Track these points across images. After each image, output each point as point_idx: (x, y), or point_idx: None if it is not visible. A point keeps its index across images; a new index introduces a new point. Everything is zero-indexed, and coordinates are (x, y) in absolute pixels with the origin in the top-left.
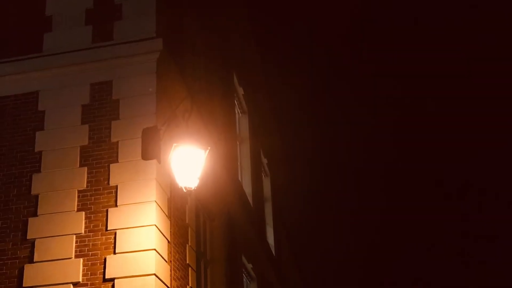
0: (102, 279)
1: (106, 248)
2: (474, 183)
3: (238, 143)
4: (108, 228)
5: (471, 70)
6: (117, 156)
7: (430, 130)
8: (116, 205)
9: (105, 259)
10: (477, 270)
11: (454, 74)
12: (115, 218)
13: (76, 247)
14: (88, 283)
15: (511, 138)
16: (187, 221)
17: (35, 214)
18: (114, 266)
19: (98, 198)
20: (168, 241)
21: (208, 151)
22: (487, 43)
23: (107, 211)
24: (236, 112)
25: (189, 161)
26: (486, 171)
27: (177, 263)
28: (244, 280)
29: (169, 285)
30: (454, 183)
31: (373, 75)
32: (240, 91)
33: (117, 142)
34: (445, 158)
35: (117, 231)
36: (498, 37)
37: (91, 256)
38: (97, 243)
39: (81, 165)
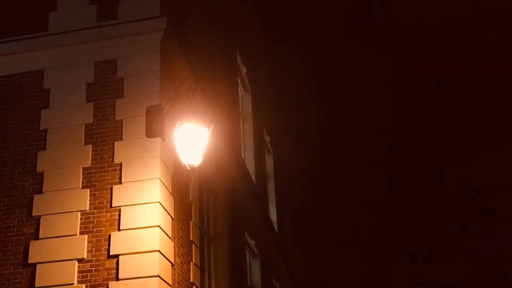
0: (106, 255)
1: (110, 225)
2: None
3: (241, 121)
4: (113, 205)
5: (471, 70)
6: (121, 134)
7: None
8: (120, 182)
9: (109, 236)
10: (474, 244)
11: (454, 74)
12: (120, 195)
13: (81, 224)
14: (92, 260)
15: (511, 138)
16: (190, 198)
17: (40, 191)
18: (118, 243)
19: (103, 176)
20: (172, 218)
21: (211, 129)
22: (487, 43)
23: (111, 188)
24: (239, 90)
25: (193, 139)
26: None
27: (181, 239)
28: (247, 256)
29: (173, 261)
30: (455, 160)
31: (376, 50)
32: (243, 69)
33: (122, 120)
34: (446, 135)
35: (122, 208)
36: (498, 37)
37: (96, 232)
38: (102, 220)
39: (86, 143)
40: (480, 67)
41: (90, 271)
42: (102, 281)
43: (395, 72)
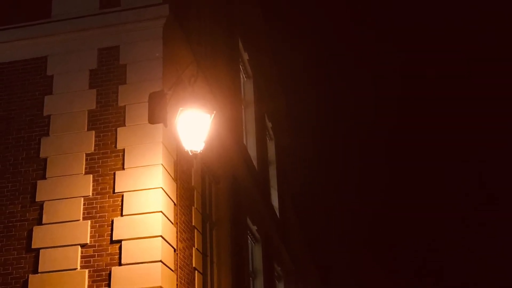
0: (109, 240)
1: (113, 210)
2: (476, 147)
3: (243, 107)
4: (116, 191)
5: (471, 70)
6: (124, 120)
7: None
8: (123, 168)
9: (112, 221)
10: (476, 231)
11: (454, 75)
12: (122, 181)
13: (84, 209)
14: (95, 245)
15: (510, 138)
16: (193, 184)
17: (43, 177)
18: (121, 228)
19: (106, 161)
20: (174, 204)
21: (213, 115)
22: (487, 43)
23: (114, 174)
24: (241, 76)
25: (195, 125)
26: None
27: (183, 225)
28: (249, 241)
29: (175, 247)
30: (456, 147)
31: (376, 37)
32: (245, 56)
33: (124, 106)
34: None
35: (124, 193)
36: (498, 38)
37: (99, 218)
38: (105, 206)
39: (89, 129)
40: (479, 68)
41: (93, 256)
42: (105, 266)
43: (396, 60)
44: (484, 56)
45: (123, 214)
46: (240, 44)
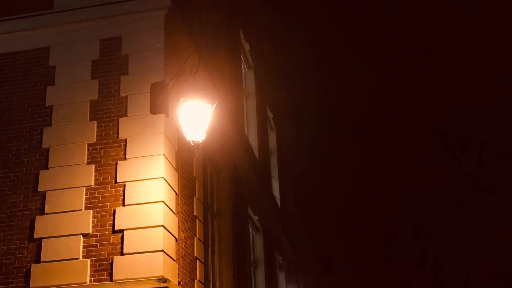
0: (111, 230)
1: (115, 200)
2: (475, 136)
3: (244, 97)
4: (118, 181)
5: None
6: (126, 110)
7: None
8: (125, 158)
9: (114, 211)
10: (476, 220)
11: (454, 64)
12: (124, 171)
13: (86, 199)
14: (97, 234)
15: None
16: (194, 174)
17: (46, 167)
18: (123, 218)
19: (108, 151)
20: (176, 193)
21: (215, 105)
22: (488, 33)
23: (116, 164)
24: (243, 67)
25: (196, 115)
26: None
27: (185, 214)
28: (250, 231)
29: (176, 236)
30: (455, 136)
31: (377, 27)
32: (247, 46)
33: (126, 96)
34: (446, 112)
35: (126, 183)
36: (500, 26)
37: (101, 208)
38: (107, 195)
39: (91, 119)
40: (480, 56)
41: (95, 246)
42: (107, 256)
43: (396, 48)
44: (485, 44)
45: (125, 204)
46: (242, 34)
